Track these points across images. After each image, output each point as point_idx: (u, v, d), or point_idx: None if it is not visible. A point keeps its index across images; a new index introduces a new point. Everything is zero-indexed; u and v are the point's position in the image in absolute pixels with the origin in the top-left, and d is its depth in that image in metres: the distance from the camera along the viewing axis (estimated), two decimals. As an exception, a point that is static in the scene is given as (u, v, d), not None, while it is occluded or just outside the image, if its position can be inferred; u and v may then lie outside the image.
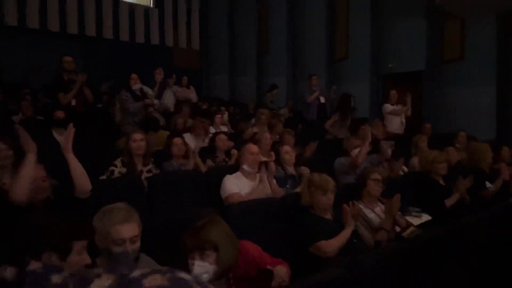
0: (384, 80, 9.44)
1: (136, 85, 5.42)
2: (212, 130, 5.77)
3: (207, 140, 4.98)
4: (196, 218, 1.93)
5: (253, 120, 6.61)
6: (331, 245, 2.62)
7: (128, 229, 1.76)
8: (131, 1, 11.54)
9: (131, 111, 5.32)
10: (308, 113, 7.74)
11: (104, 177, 3.42)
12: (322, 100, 7.80)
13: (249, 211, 2.81)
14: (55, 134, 4.76)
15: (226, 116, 7.05)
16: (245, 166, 3.43)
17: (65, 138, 2.39)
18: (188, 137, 4.85)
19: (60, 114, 4.83)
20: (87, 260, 1.39)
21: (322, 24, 10.26)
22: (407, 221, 3.19)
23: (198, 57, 13.04)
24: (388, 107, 7.00)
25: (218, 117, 6.31)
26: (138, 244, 1.81)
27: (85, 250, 1.39)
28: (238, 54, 12.17)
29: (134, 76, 5.48)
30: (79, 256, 1.36)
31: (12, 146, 2.99)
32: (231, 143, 4.83)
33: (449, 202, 3.67)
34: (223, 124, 6.53)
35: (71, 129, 2.40)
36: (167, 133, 5.10)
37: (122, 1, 11.31)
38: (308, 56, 10.42)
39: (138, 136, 3.59)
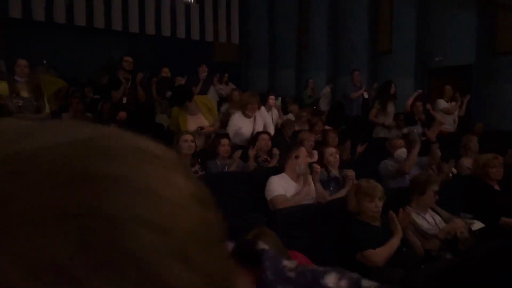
0: (430, 75, 9.09)
1: None
2: (264, 112, 5.28)
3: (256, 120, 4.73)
4: (245, 225, 1.93)
5: (290, 115, 6.52)
6: (379, 254, 2.55)
7: None
8: (172, -3, 11.70)
9: None
10: (352, 109, 7.58)
11: None
12: (366, 95, 7.63)
13: (294, 218, 2.79)
14: None
15: (279, 101, 6.52)
16: (295, 168, 3.39)
17: None
18: (238, 117, 4.70)
19: (122, 115, 4.92)
20: None
21: (365, 16, 9.97)
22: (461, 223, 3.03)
23: (237, 51, 13.06)
24: (442, 103, 6.67)
25: (272, 98, 5.78)
26: None
27: None
28: (278, 48, 12.07)
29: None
30: None
31: None
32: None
33: (506, 221, 3.41)
34: (276, 108, 6.03)
35: None
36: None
37: (163, -3, 11.48)
38: (350, 49, 10.16)
39: (188, 137, 3.68)
